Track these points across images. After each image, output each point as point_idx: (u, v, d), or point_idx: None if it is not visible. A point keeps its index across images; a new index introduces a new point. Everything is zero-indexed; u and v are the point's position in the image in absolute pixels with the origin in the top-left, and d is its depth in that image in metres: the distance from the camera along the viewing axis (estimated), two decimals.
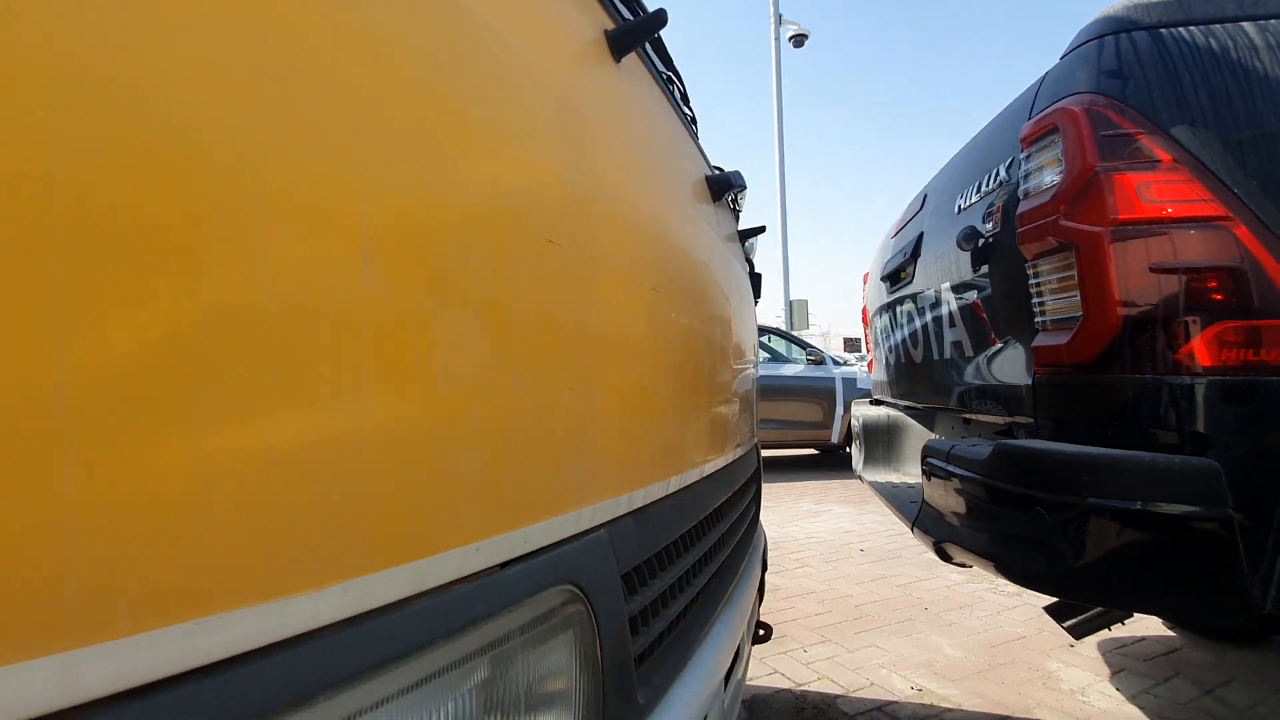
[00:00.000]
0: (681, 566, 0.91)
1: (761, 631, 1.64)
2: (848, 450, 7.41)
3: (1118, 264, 0.97)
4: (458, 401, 0.45)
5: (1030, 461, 1.09)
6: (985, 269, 1.39)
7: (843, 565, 3.77)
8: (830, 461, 7.94)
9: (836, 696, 2.24)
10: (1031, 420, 1.19)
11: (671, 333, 0.87)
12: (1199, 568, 0.94)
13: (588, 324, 0.63)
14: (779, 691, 2.28)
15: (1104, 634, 2.73)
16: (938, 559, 3.86)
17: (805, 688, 2.30)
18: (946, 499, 1.37)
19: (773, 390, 6.89)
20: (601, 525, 0.67)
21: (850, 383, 6.93)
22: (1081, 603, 1.03)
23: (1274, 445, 0.92)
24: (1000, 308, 1.36)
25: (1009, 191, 1.25)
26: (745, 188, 1.28)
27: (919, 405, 2.14)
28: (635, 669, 0.74)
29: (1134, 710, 2.11)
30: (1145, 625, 2.80)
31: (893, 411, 2.41)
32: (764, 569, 1.74)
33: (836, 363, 7.19)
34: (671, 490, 0.86)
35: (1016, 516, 1.10)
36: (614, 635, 0.66)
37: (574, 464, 0.60)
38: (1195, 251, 0.97)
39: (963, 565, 1.44)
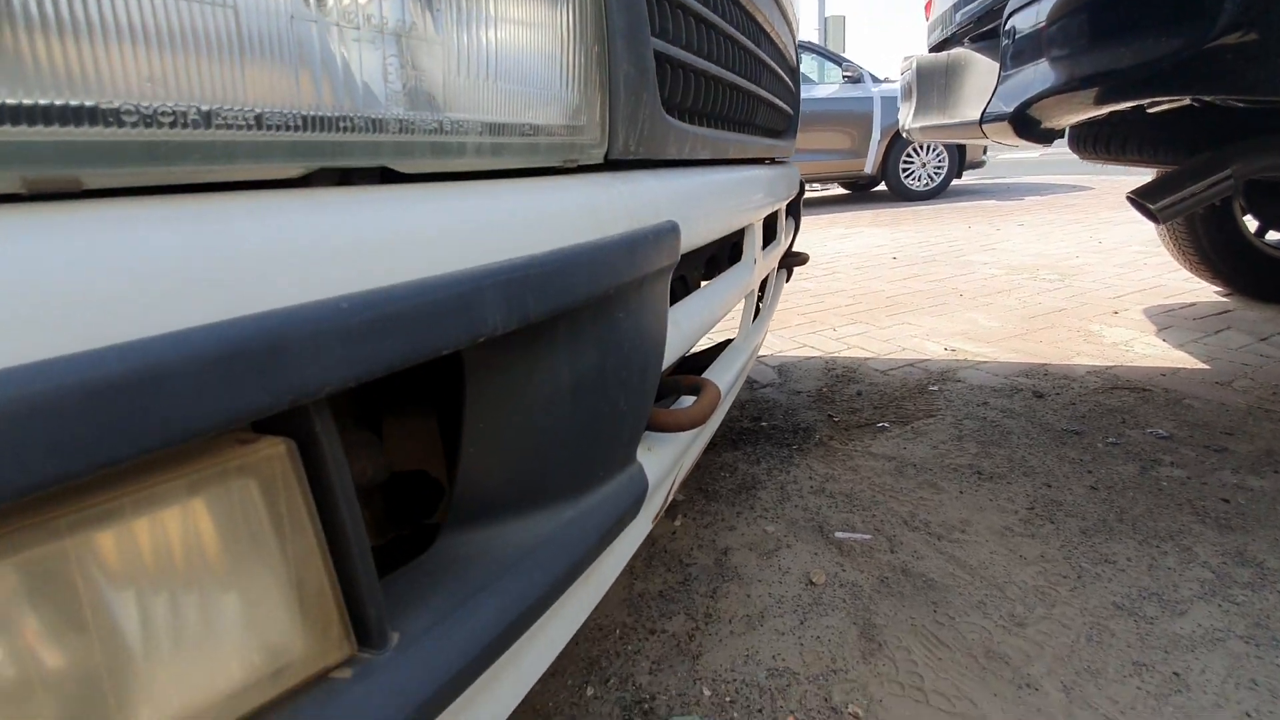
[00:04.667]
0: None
1: (797, 261, 1.50)
2: (882, 183, 6.98)
3: None
4: None
5: None
6: None
7: (874, 270, 3.64)
8: (861, 197, 7.55)
9: (867, 359, 2.20)
10: None
11: None
12: None
13: None
14: (809, 358, 2.26)
15: (1150, 301, 2.61)
16: (974, 261, 3.67)
17: (835, 355, 2.27)
18: (1034, 48, 1.11)
19: (801, 117, 6.29)
20: None
21: (890, 103, 6.26)
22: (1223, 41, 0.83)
23: None
24: None
25: None
26: None
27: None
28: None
29: (1182, 354, 2.04)
30: (1197, 294, 2.67)
31: (955, 51, 2.04)
32: (802, 191, 1.56)
33: (876, 80, 6.43)
34: None
35: None
36: None
37: None
38: None
39: (1048, 136, 1.22)
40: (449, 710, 0.38)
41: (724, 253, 1.09)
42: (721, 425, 1.80)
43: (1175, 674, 0.87)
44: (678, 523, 1.31)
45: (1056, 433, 1.57)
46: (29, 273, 0.18)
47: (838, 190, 8.49)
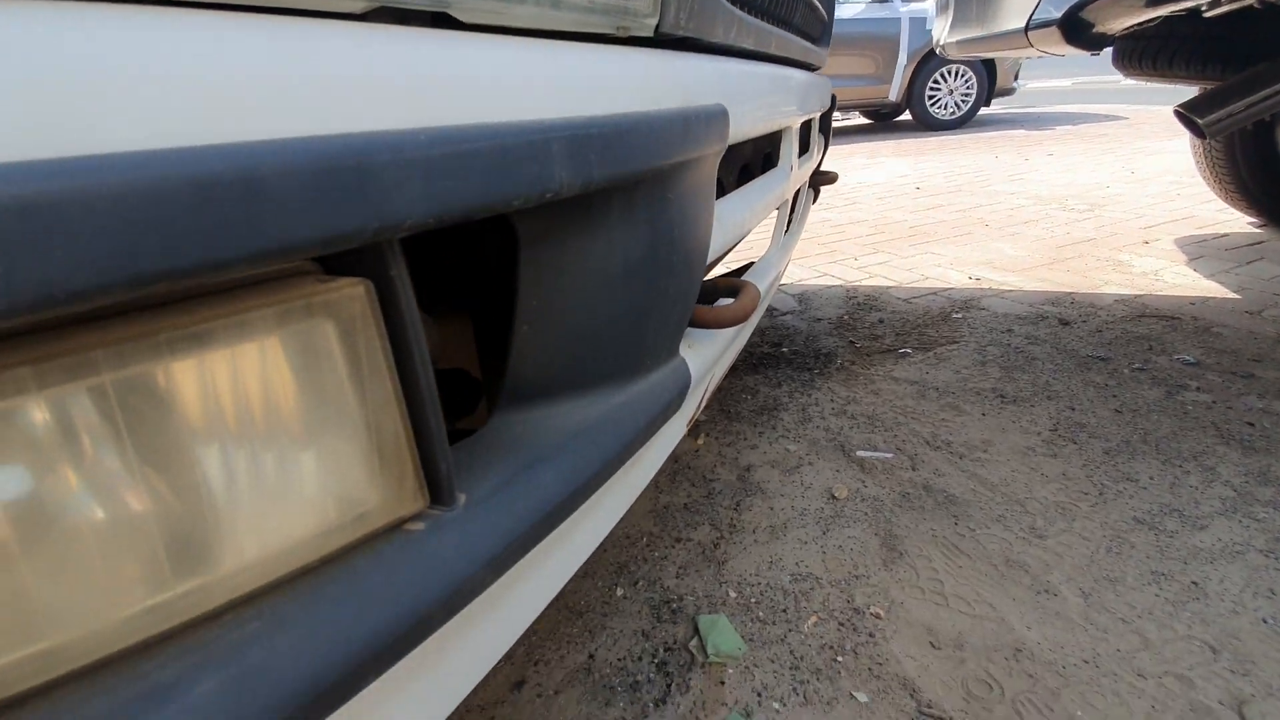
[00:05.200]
0: None
1: (826, 180, 1.46)
2: (906, 112, 6.73)
3: None
4: None
5: None
6: None
7: (897, 200, 3.55)
8: (883, 127, 7.29)
9: (889, 287, 2.17)
10: None
11: None
12: None
13: None
14: (830, 286, 2.23)
15: (1182, 232, 2.54)
16: (1001, 191, 3.59)
17: (857, 284, 2.24)
18: None
19: None
20: None
21: (919, 24, 5.95)
22: None
23: None
24: None
25: None
26: None
27: None
28: None
29: (1212, 284, 1.99)
30: (1230, 224, 2.59)
31: None
32: (833, 105, 1.51)
33: None
34: None
35: None
36: None
37: None
38: None
39: (1098, 41, 1.16)
40: (495, 586, 0.39)
41: (757, 162, 1.06)
42: (743, 350, 1.80)
43: (1194, 583, 0.88)
44: (700, 441, 1.32)
45: (1082, 359, 1.56)
46: (130, 61, 0.17)
47: (859, 119, 8.20)
